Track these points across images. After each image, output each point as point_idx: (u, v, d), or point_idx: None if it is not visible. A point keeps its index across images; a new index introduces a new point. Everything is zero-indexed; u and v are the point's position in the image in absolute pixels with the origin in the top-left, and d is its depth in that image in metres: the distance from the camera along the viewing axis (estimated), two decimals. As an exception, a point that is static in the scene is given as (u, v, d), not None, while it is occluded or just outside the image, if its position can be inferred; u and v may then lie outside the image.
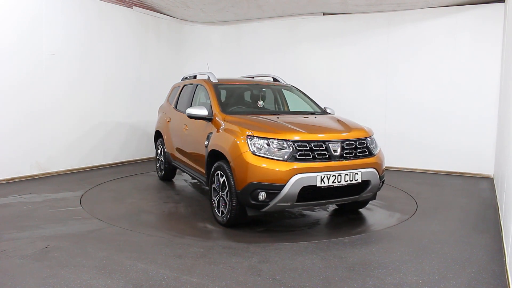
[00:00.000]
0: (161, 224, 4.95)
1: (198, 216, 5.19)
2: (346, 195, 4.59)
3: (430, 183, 7.24)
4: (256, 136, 4.37)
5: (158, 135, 7.35)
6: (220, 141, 4.79)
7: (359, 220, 5.12)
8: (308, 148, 4.35)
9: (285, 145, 4.31)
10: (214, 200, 4.86)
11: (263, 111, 5.63)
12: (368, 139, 4.81)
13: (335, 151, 4.44)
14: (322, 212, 5.43)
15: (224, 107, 5.39)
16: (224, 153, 4.61)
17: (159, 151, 7.28)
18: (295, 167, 4.21)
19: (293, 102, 6.30)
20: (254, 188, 4.25)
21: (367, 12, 8.62)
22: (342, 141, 4.53)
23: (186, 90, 6.58)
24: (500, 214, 4.99)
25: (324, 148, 4.41)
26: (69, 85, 7.55)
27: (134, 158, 9.12)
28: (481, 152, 7.83)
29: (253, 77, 6.74)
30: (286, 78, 6.92)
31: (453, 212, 5.43)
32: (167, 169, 7.03)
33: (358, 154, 4.60)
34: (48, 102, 7.20)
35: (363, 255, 3.86)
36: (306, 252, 3.92)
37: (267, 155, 4.28)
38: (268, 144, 4.32)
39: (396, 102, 8.54)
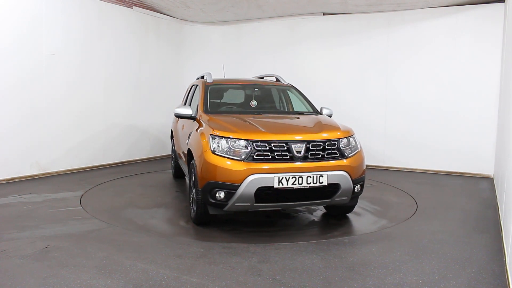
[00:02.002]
0: (137, 218, 5.01)
1: (179, 213, 5.27)
2: (314, 198, 4.41)
3: (430, 183, 7.24)
4: (218, 136, 4.40)
5: (172, 135, 7.63)
6: (192, 140, 4.90)
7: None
8: (268, 148, 4.29)
9: (243, 145, 4.29)
10: (191, 197, 4.93)
11: (249, 111, 5.59)
12: (344, 140, 4.63)
13: (298, 152, 4.32)
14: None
15: (210, 107, 5.46)
16: (192, 152, 4.73)
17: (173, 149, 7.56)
18: (250, 167, 4.18)
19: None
20: (212, 187, 4.27)
21: (367, 12, 8.62)
22: (308, 142, 4.39)
23: (192, 90, 6.71)
24: (500, 214, 4.99)
25: (285, 148, 4.32)
26: (69, 85, 7.55)
27: (135, 158, 9.11)
28: (481, 152, 7.83)
29: (262, 77, 6.79)
30: (286, 78, 6.92)
31: (453, 212, 5.43)
32: (177, 167, 7.22)
33: (326, 155, 4.43)
34: (48, 102, 7.19)
35: (363, 255, 3.86)
36: (306, 252, 3.92)
37: (226, 154, 4.29)
38: (228, 144, 4.33)
39: (396, 102, 8.54)
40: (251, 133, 4.39)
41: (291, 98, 6.22)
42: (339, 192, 4.43)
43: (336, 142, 4.54)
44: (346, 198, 4.54)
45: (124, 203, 5.69)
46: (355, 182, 4.53)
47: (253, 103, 5.75)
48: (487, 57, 7.69)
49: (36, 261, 3.59)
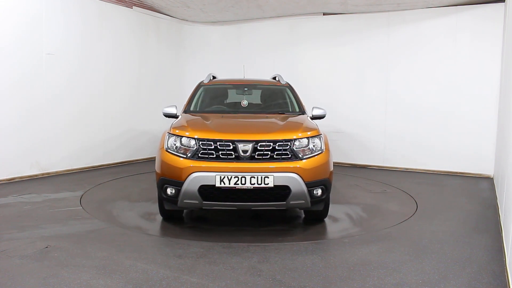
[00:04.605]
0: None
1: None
2: (265, 200, 4.28)
3: (430, 183, 7.24)
4: (172, 134, 4.54)
5: None
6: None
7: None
8: (213, 147, 4.31)
9: (190, 143, 4.39)
10: None
11: (234, 110, 5.68)
12: (301, 140, 4.44)
13: (245, 152, 4.27)
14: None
15: (194, 107, 5.60)
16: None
17: None
18: (191, 165, 4.25)
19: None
20: (163, 183, 4.43)
21: (367, 12, 8.62)
22: (256, 142, 4.30)
23: None
24: (500, 214, 4.99)
25: (231, 148, 4.29)
26: (69, 85, 7.55)
27: (135, 158, 9.11)
28: (481, 152, 7.83)
29: (275, 78, 6.69)
30: (286, 78, 6.91)
31: (453, 212, 5.43)
32: None
33: (275, 156, 4.31)
34: (48, 102, 7.19)
35: (363, 255, 3.85)
36: (306, 252, 3.92)
37: (176, 152, 4.42)
38: (180, 142, 4.45)
39: (396, 102, 8.54)
40: (198, 131, 4.48)
41: (287, 98, 6.19)
42: (291, 195, 4.24)
43: (289, 143, 4.37)
44: (303, 202, 4.32)
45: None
46: (310, 186, 4.31)
47: (244, 102, 5.78)
48: (487, 57, 7.69)
49: (36, 261, 3.59)
